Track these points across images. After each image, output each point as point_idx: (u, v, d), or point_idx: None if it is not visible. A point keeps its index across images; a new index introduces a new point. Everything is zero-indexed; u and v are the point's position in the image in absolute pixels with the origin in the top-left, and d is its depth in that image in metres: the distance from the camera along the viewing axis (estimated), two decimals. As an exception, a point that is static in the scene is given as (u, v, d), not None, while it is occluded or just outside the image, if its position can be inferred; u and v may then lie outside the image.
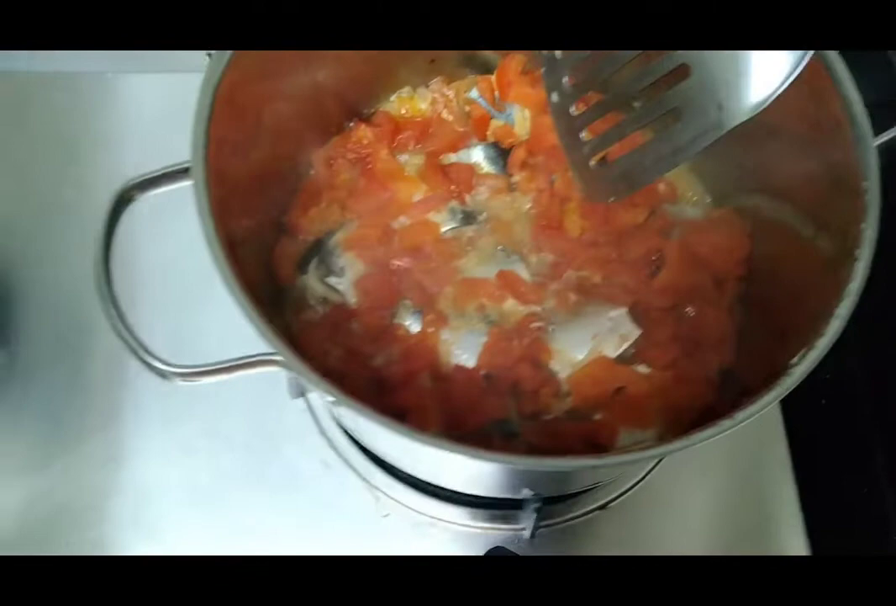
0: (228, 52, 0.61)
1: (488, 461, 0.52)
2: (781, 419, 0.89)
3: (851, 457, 0.91)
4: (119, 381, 0.86)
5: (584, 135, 0.69)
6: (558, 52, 0.68)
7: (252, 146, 0.70)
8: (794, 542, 0.85)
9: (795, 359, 0.57)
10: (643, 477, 0.86)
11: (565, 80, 0.68)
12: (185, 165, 0.59)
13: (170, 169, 0.59)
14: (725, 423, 0.54)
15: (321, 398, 0.71)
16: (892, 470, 0.88)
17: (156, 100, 1.00)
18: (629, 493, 0.85)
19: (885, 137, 0.67)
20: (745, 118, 0.55)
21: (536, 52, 0.82)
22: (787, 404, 0.86)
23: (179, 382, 0.55)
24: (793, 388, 0.56)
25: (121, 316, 0.55)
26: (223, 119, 0.61)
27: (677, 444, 0.53)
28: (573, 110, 0.68)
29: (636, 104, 0.64)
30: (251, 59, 0.63)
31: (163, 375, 0.55)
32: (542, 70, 0.70)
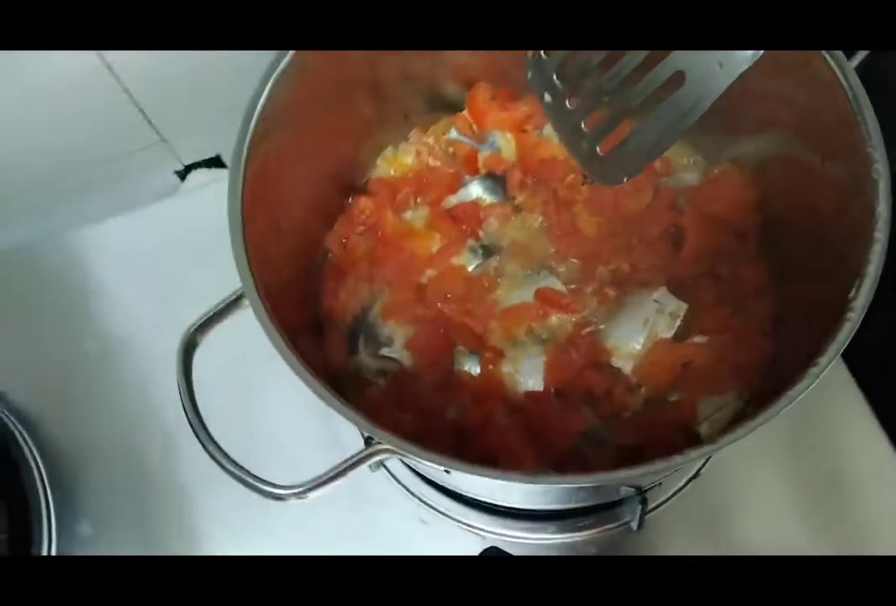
0: (242, 167, 0.65)
1: (591, 483, 0.54)
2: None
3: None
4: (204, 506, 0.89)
5: (584, 127, 0.67)
6: (543, 52, 0.67)
7: (278, 252, 0.74)
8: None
9: (852, 292, 0.57)
10: None
11: (554, 77, 0.67)
12: (238, 294, 0.62)
13: (225, 302, 0.63)
14: (812, 371, 0.54)
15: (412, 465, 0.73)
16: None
17: (128, 242, 1.02)
18: (714, 455, 0.85)
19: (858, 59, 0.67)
20: (746, 66, 0.54)
21: (500, 77, 0.86)
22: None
23: (294, 501, 0.58)
24: (860, 321, 0.55)
25: (225, 453, 0.58)
26: (251, 236, 0.65)
27: (772, 410, 0.54)
28: (568, 105, 0.67)
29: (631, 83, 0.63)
30: (259, 165, 0.67)
31: (280, 498, 0.58)
32: (529, 74, 0.69)
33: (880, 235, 0.57)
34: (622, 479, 0.53)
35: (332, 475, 0.56)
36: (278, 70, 0.68)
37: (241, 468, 0.57)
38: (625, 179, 0.66)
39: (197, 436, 0.57)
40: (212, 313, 0.62)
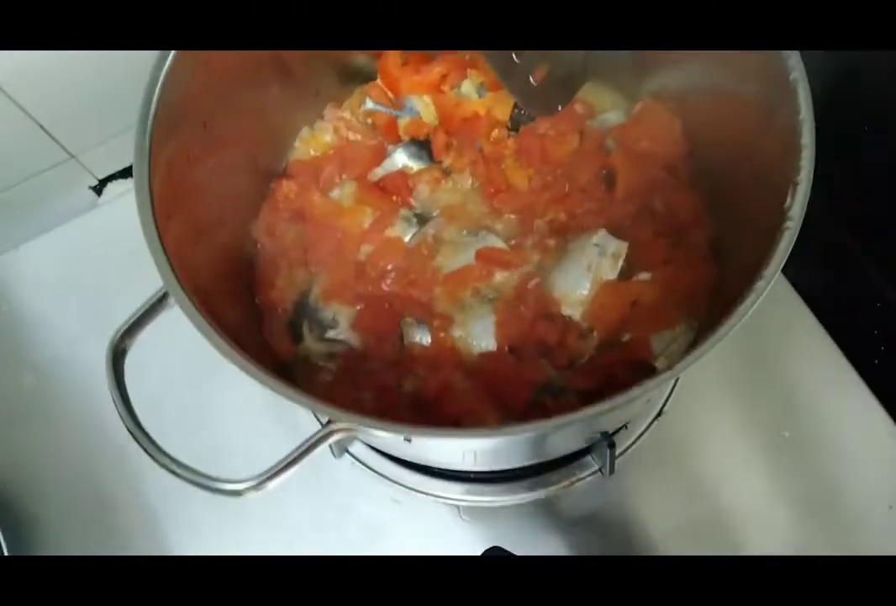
0: (146, 167, 0.62)
1: (552, 427, 0.52)
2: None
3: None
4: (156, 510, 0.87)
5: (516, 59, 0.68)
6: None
7: (201, 245, 0.71)
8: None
9: (787, 201, 0.56)
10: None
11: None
12: (162, 292, 0.59)
13: (150, 302, 0.60)
14: (758, 286, 0.53)
15: (376, 441, 0.72)
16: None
17: (50, 263, 1.00)
18: (675, 391, 0.86)
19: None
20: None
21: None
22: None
23: (252, 495, 0.55)
24: (804, 204, 0.55)
25: (170, 457, 0.55)
26: (168, 234, 0.62)
27: (722, 330, 0.53)
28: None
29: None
30: (166, 165, 0.65)
31: (237, 493, 0.55)
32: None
33: (807, 140, 0.56)
34: (582, 418, 0.52)
35: (287, 462, 0.54)
36: (166, 67, 0.65)
37: (188, 469, 0.54)
38: (558, 109, 0.71)
39: (138, 443, 0.54)
40: (136, 317, 0.59)
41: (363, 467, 0.85)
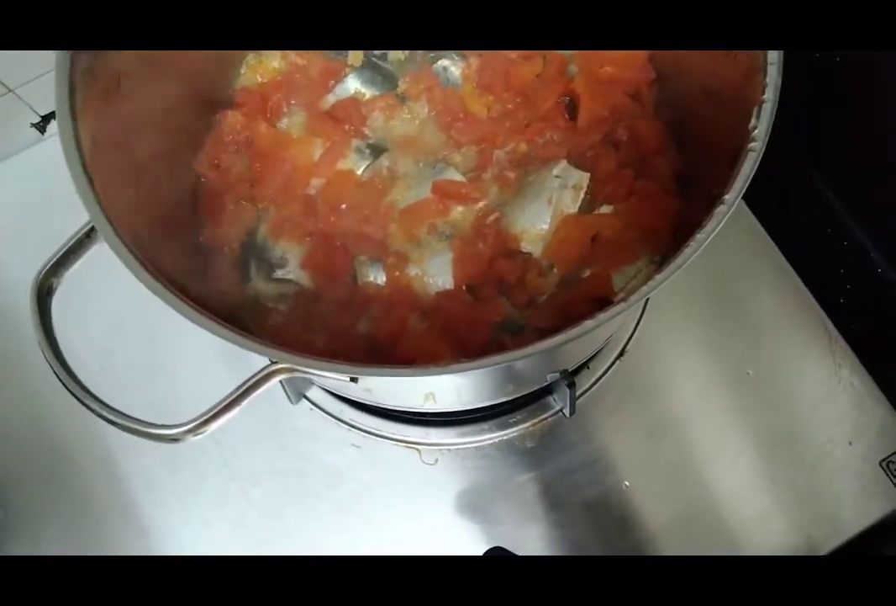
0: (67, 102, 0.57)
1: (503, 362, 0.50)
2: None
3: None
4: (110, 466, 0.84)
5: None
6: None
7: (138, 180, 0.67)
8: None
9: (752, 121, 0.53)
10: (643, 311, 0.85)
11: None
12: (88, 228, 0.56)
13: (75, 237, 0.56)
14: (720, 210, 0.51)
15: (331, 384, 0.70)
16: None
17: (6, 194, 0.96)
18: (638, 330, 0.85)
19: None
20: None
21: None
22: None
23: (192, 438, 0.53)
24: (760, 157, 0.52)
25: (102, 403, 0.53)
26: (99, 167, 0.58)
27: (679, 259, 0.50)
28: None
29: None
30: (94, 94, 0.60)
31: (175, 439, 0.53)
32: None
33: (774, 56, 0.53)
34: (532, 352, 0.49)
35: (225, 404, 0.51)
36: None
37: (122, 415, 0.52)
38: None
39: (66, 388, 0.51)
40: (61, 253, 0.55)
41: (321, 412, 0.83)
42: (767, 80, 0.52)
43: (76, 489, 0.84)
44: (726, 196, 0.50)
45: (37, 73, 0.94)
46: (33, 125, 1.03)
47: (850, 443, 0.82)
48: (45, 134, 1.04)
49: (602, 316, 0.50)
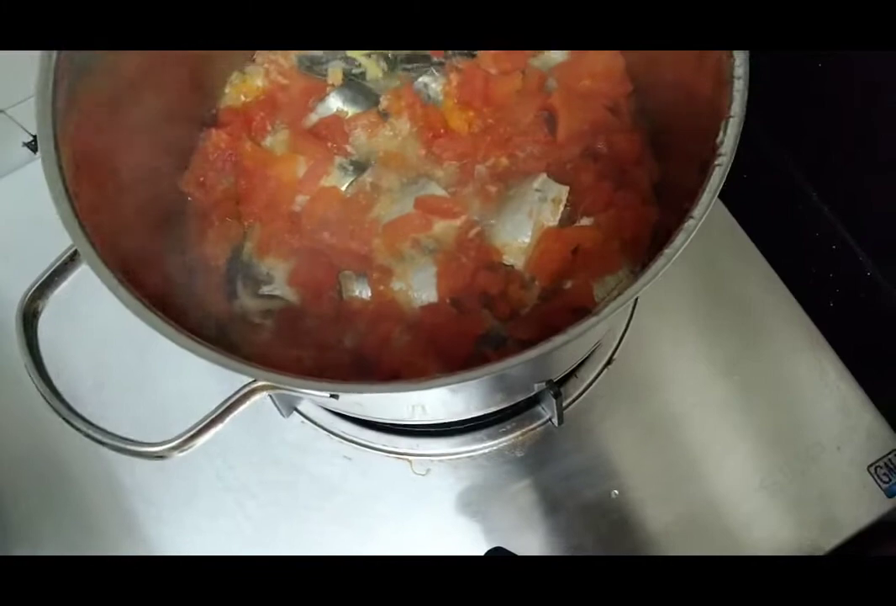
0: (50, 125, 0.58)
1: (493, 374, 0.51)
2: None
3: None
4: (108, 480, 0.85)
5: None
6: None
7: (123, 200, 0.68)
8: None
9: (720, 135, 0.54)
10: (629, 319, 0.86)
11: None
12: (72, 251, 0.57)
13: (58, 261, 0.57)
14: (688, 224, 0.52)
15: (316, 399, 0.70)
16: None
17: None
18: (625, 339, 0.85)
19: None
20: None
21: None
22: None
23: (178, 454, 0.54)
24: (729, 167, 0.53)
25: (89, 422, 0.54)
26: (83, 188, 0.59)
27: (650, 272, 0.51)
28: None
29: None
30: (78, 110, 0.61)
31: (161, 456, 0.54)
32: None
33: (740, 70, 0.54)
34: (507, 366, 0.50)
35: (209, 420, 0.52)
36: None
37: (106, 433, 0.52)
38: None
39: (53, 408, 0.52)
40: (45, 277, 0.56)
41: (312, 425, 0.84)
42: (734, 93, 0.53)
43: (74, 503, 0.85)
44: (694, 211, 0.50)
45: (28, 92, 0.95)
46: (25, 144, 1.04)
47: (839, 448, 0.82)
48: (38, 153, 1.05)
49: (573, 331, 0.50)
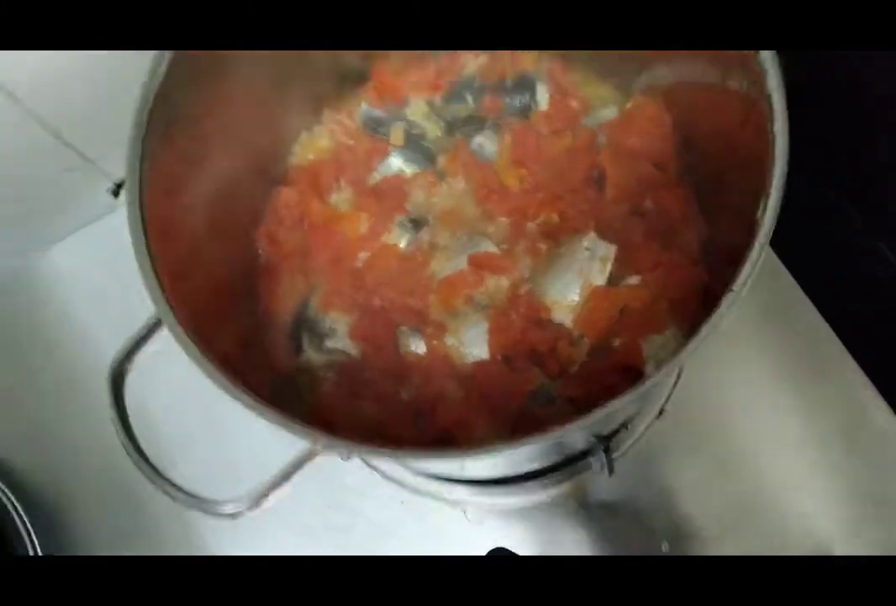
0: (137, 183, 0.64)
1: (549, 441, 0.54)
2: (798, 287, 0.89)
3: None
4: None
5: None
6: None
7: (200, 263, 0.73)
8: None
9: (759, 212, 0.55)
10: (679, 372, 0.86)
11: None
12: (155, 319, 0.62)
13: (144, 328, 0.62)
14: (729, 296, 0.53)
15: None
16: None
17: (82, 263, 1.02)
18: (676, 389, 0.86)
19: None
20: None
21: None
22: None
23: (248, 513, 0.58)
24: (769, 236, 0.54)
25: (172, 483, 0.59)
26: (164, 255, 0.64)
27: (695, 340, 0.53)
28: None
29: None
30: (158, 175, 0.66)
31: (233, 517, 0.58)
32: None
33: (780, 151, 0.55)
34: (563, 434, 0.53)
35: (276, 480, 0.57)
36: (161, 72, 0.66)
37: (186, 494, 0.57)
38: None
39: (139, 468, 0.57)
40: (133, 342, 0.61)
41: (370, 469, 0.87)
42: (776, 171, 0.54)
43: (145, 530, 0.91)
44: (735, 285, 0.52)
45: (112, 142, 1.00)
46: (109, 191, 1.11)
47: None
48: (119, 199, 1.12)
49: (625, 397, 0.52)
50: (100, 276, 1.02)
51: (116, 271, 0.96)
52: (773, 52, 0.58)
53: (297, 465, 0.57)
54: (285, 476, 0.57)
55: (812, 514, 0.82)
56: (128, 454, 0.58)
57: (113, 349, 0.63)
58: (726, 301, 0.53)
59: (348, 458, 0.87)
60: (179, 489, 0.57)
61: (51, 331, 1.00)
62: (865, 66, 0.75)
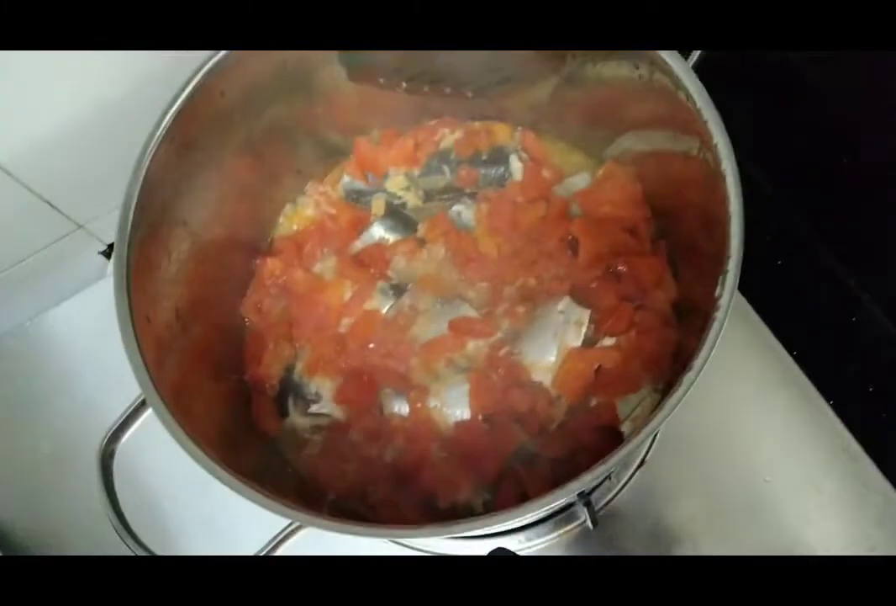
0: (125, 261, 0.66)
1: (535, 512, 0.56)
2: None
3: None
4: None
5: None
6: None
7: (187, 335, 0.75)
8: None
9: (717, 289, 0.57)
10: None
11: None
12: (141, 399, 0.63)
13: (130, 408, 0.64)
14: (688, 377, 0.55)
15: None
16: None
17: (66, 332, 1.04)
18: (655, 442, 0.87)
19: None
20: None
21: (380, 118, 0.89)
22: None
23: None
24: (733, 290, 0.57)
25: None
26: (148, 332, 0.67)
27: (680, 391, 0.55)
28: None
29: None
30: (149, 252, 0.69)
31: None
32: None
33: (736, 230, 0.58)
34: (545, 504, 0.55)
35: (262, 554, 0.58)
36: (151, 148, 0.69)
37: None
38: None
39: (128, 546, 0.58)
40: (119, 423, 0.63)
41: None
42: (731, 252, 0.57)
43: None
44: (694, 362, 0.54)
45: (102, 208, 1.03)
46: (100, 253, 1.12)
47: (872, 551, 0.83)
48: (110, 262, 1.14)
49: (604, 465, 0.55)
50: (95, 340, 1.02)
51: (111, 333, 1.02)
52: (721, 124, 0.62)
53: (281, 541, 0.58)
54: (271, 550, 0.59)
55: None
56: (114, 528, 0.59)
57: (109, 417, 0.64)
58: (684, 383, 0.55)
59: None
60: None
61: (47, 396, 1.01)
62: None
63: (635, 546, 0.85)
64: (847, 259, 0.91)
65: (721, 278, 0.56)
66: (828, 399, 0.88)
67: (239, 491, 0.56)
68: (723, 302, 0.55)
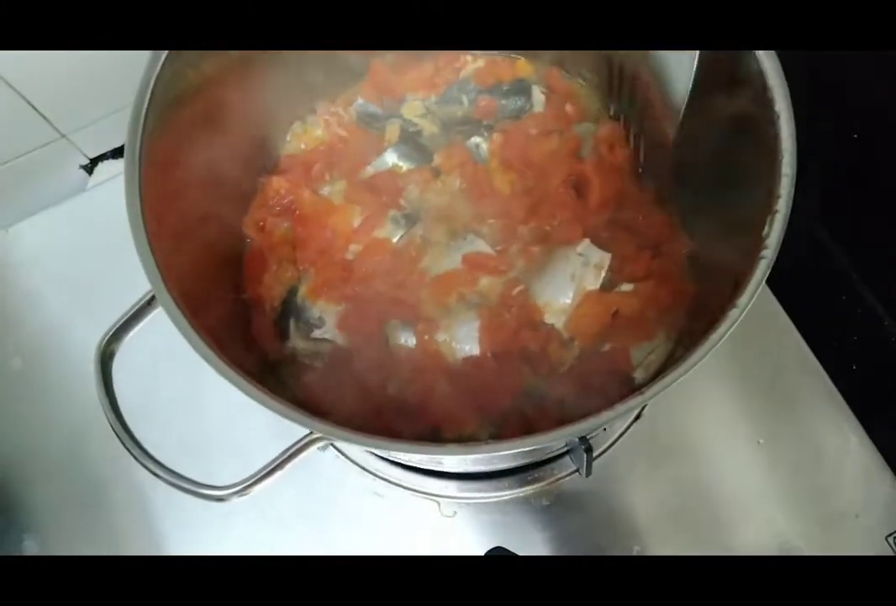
0: (137, 163, 0.63)
1: (527, 447, 0.54)
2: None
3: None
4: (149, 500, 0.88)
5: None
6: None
7: (188, 242, 0.72)
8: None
9: (765, 229, 0.56)
10: None
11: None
12: (149, 296, 0.60)
13: (137, 305, 0.61)
14: (732, 313, 0.54)
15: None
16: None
17: (41, 244, 1.00)
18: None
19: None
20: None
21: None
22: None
23: (237, 499, 0.58)
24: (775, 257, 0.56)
25: (158, 463, 0.57)
26: (159, 236, 0.63)
27: (700, 351, 0.54)
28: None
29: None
30: (157, 157, 0.65)
31: (220, 499, 0.57)
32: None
33: (787, 169, 0.57)
34: (558, 437, 0.53)
35: (271, 468, 0.56)
36: (163, 57, 0.65)
37: (175, 474, 0.56)
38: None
39: (128, 450, 0.56)
40: (123, 320, 0.60)
41: (346, 460, 0.87)
42: (781, 190, 0.56)
43: (108, 521, 0.89)
44: (739, 300, 0.53)
45: (88, 118, 1.00)
46: (82, 167, 1.08)
47: (857, 516, 0.84)
48: (92, 177, 1.10)
49: (620, 408, 0.53)
50: (67, 257, 0.99)
51: (86, 252, 0.97)
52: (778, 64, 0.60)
53: (291, 456, 0.56)
54: (276, 468, 0.57)
55: (780, 517, 0.85)
56: (115, 433, 0.56)
57: (89, 332, 0.61)
58: (728, 319, 0.54)
59: (325, 448, 0.87)
60: (168, 469, 0.56)
61: (17, 309, 0.98)
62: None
63: (623, 503, 0.85)
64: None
65: (770, 218, 0.55)
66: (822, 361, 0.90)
67: (242, 388, 0.54)
68: (770, 242, 0.55)
